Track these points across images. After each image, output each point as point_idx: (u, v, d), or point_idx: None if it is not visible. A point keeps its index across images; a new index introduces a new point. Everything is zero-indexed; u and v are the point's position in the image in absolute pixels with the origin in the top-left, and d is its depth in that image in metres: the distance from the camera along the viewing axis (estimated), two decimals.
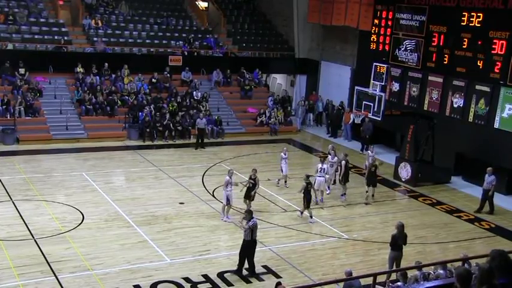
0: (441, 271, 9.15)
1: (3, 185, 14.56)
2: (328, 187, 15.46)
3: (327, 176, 15.00)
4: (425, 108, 18.76)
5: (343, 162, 15.17)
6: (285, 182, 15.85)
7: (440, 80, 18.33)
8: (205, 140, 20.45)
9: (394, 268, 10.27)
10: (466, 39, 17.25)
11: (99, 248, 11.38)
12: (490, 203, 14.94)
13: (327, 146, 20.97)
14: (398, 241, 10.43)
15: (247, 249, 10.55)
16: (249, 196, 13.48)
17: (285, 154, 15.84)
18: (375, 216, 14.35)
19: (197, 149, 19.35)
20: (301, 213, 13.61)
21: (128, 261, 10.88)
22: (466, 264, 8.36)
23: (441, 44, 18.19)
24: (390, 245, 10.55)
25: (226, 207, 13.14)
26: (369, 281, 9.48)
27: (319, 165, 14.67)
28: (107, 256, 11.05)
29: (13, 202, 13.52)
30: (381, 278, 9.79)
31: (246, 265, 10.62)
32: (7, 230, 11.94)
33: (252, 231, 10.49)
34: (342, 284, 9.19)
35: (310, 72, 24.91)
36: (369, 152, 16.76)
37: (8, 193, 14.08)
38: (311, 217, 13.44)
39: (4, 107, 19.08)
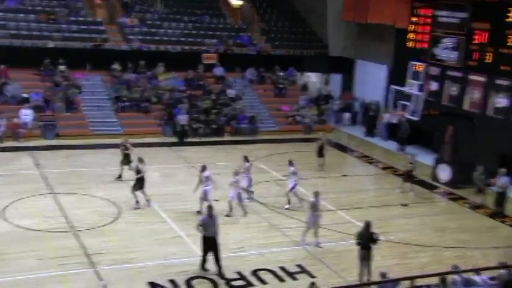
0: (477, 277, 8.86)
1: (45, 179, 15.00)
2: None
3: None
4: (465, 108, 18.20)
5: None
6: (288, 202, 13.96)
7: (482, 79, 17.74)
8: (238, 138, 20.43)
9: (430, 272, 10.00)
10: (510, 36, 16.63)
11: (136, 242, 11.56)
12: (500, 204, 14.49)
13: (363, 146, 20.73)
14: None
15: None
16: None
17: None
18: (411, 218, 14.04)
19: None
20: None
21: (164, 256, 11.00)
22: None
23: (483, 41, 17.59)
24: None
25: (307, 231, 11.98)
26: (406, 284, 9.28)
27: None
28: (143, 250, 11.21)
29: (54, 195, 13.92)
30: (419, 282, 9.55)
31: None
32: (49, 222, 12.30)
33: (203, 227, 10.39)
34: None
35: (344, 71, 24.59)
36: None
37: (49, 186, 14.51)
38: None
39: (45, 103, 19.69)
